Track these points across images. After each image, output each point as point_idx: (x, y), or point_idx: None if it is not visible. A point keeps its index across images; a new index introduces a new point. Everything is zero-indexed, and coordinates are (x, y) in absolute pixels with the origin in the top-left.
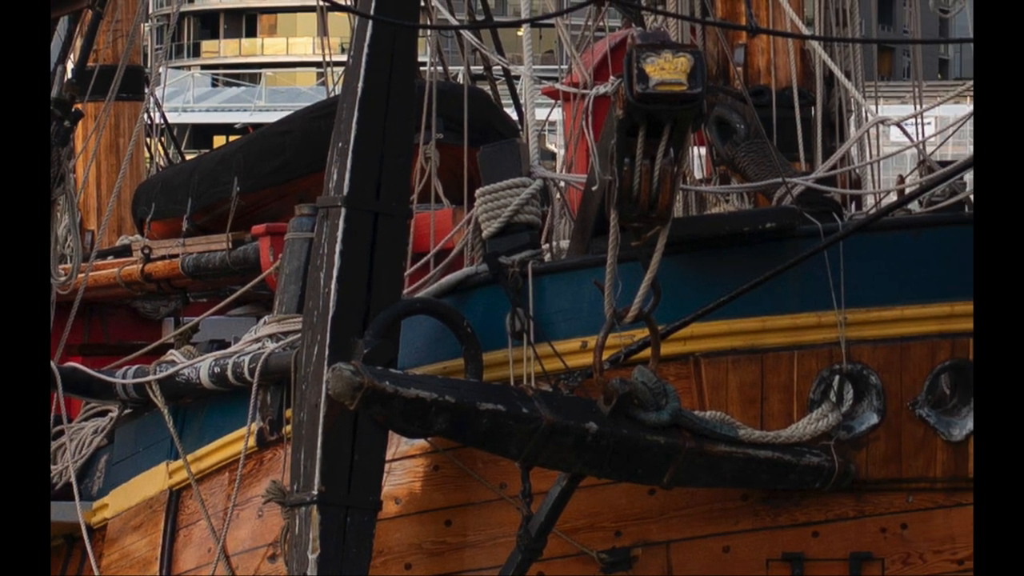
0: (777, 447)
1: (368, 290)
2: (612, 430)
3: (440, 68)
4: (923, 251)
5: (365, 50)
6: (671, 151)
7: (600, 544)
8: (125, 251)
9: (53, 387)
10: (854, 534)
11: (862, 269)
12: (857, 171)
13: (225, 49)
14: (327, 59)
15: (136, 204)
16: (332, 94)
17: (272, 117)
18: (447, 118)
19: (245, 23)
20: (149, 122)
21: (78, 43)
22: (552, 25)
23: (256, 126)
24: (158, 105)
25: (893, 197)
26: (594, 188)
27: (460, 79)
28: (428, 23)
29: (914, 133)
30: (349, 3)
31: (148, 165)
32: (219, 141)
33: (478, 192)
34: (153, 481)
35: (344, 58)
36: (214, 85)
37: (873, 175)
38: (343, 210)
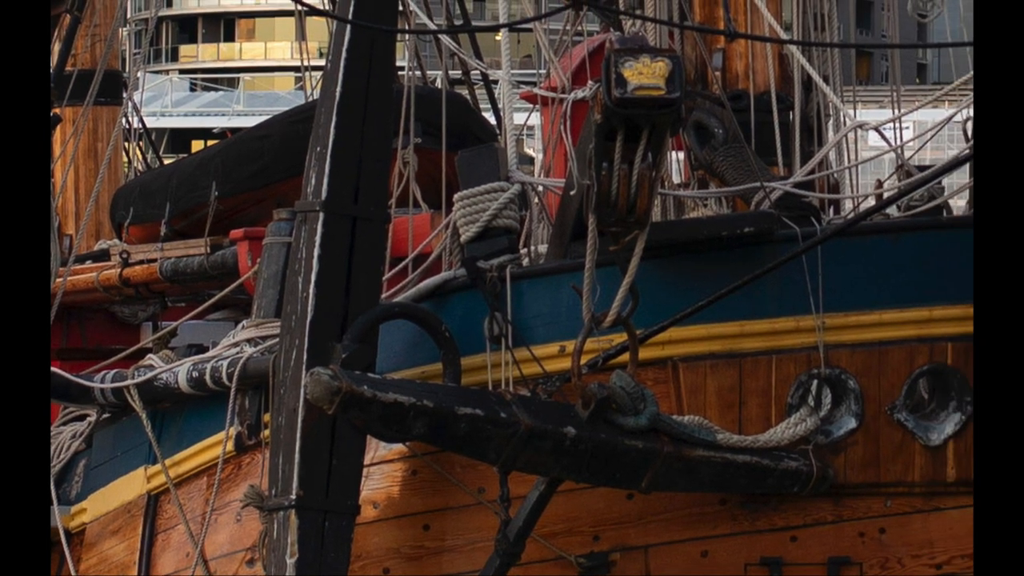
0: (755, 452)
1: (346, 294)
2: (590, 435)
3: (418, 72)
4: (901, 255)
5: (343, 54)
6: (649, 155)
7: (578, 548)
8: (103, 255)
9: None
10: (832, 538)
11: (840, 273)
12: (835, 175)
13: (203, 53)
14: (305, 63)
15: (114, 208)
16: (310, 98)
17: (250, 122)
18: (425, 122)
19: (223, 27)
20: (127, 126)
21: (56, 47)
22: (530, 30)
23: (234, 130)
24: (136, 109)
25: (871, 201)
26: (572, 192)
27: (438, 83)
28: (406, 27)
29: (892, 137)
30: (327, 8)
31: (126, 169)
32: (197, 145)
33: (456, 197)
34: (131, 485)
35: (322, 62)
36: (192, 89)
37: (851, 179)
38: (321, 214)
